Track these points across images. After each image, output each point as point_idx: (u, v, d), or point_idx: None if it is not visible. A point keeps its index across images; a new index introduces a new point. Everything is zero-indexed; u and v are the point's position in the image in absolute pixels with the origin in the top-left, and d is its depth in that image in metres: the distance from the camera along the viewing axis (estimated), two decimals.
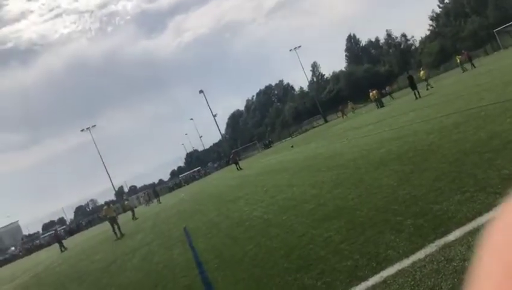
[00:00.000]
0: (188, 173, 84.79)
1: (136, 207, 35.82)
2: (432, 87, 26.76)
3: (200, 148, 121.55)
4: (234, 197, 12.44)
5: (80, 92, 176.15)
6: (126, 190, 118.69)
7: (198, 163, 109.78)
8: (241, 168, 28.58)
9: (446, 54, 62.53)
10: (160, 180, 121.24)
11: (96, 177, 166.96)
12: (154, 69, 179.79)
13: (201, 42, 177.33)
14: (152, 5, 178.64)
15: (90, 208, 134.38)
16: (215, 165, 79.72)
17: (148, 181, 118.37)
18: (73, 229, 62.04)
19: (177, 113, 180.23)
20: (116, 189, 69.56)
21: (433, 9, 75.46)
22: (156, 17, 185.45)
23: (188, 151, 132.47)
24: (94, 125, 60.55)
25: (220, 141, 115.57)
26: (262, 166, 23.16)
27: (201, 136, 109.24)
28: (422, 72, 29.78)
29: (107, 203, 18.52)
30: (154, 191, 39.50)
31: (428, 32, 75.11)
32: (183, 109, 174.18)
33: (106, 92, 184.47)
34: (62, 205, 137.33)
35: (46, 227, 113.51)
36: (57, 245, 26.83)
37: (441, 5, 74.08)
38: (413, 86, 23.86)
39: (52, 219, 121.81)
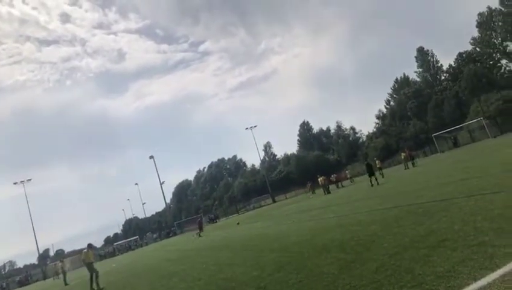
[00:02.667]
0: (124, 241, 79.94)
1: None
2: (408, 168, 30.25)
3: (141, 216, 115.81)
4: (169, 273, 11.64)
5: (23, 142, 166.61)
6: (52, 253, 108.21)
7: (137, 232, 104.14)
8: (200, 236, 28.28)
9: (390, 150, 67.31)
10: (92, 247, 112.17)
11: (21, 236, 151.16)
12: (107, 128, 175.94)
13: (160, 108, 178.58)
14: (117, 66, 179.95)
15: (7, 270, 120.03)
16: (155, 236, 75.82)
17: (79, 246, 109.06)
18: None
19: (123, 176, 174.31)
20: (41, 251, 63.16)
21: (379, 109, 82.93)
22: (118, 78, 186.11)
23: (128, 218, 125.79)
24: (30, 179, 56.91)
25: (163, 210, 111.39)
26: (204, 241, 22.33)
27: (144, 203, 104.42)
28: (377, 162, 32.64)
29: (89, 246, 16.28)
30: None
31: (374, 129, 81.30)
32: (130, 172, 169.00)
33: (51, 146, 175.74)
34: None
35: None
36: None
37: (387, 106, 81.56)
38: (371, 173, 25.03)
39: None
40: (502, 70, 62.30)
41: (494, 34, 61.78)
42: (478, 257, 4.43)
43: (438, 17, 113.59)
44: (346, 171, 38.06)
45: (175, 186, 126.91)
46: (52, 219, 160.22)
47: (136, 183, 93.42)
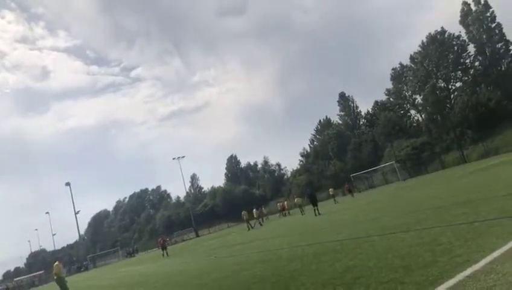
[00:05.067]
0: (26, 276, 71.70)
1: None
2: (338, 202, 34.45)
3: (50, 248, 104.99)
4: None
5: None
6: None
7: (43, 266, 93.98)
8: (167, 255, 27.61)
9: (312, 187, 69.98)
10: None
11: None
12: (19, 150, 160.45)
13: (83, 132, 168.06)
14: (40, 84, 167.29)
15: None
16: (64, 270, 68.94)
17: None
18: None
19: (34, 203, 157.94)
20: None
21: (304, 147, 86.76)
22: (40, 97, 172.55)
23: (34, 250, 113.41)
24: None
25: (75, 242, 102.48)
26: (119, 277, 20.80)
27: (54, 234, 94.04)
28: (331, 189, 42.00)
29: (58, 259, 14.22)
30: None
31: (298, 166, 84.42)
32: (42, 199, 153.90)
33: None
34: None
35: None
36: None
37: (311, 145, 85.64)
38: (314, 202, 25.99)
39: None
40: (411, 120, 69.39)
41: (405, 87, 69.00)
42: None
43: (360, 66, 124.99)
44: (254, 210, 39.09)
45: (92, 216, 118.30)
46: None
47: (47, 212, 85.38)
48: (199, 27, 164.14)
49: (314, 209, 25.56)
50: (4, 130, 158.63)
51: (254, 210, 39.32)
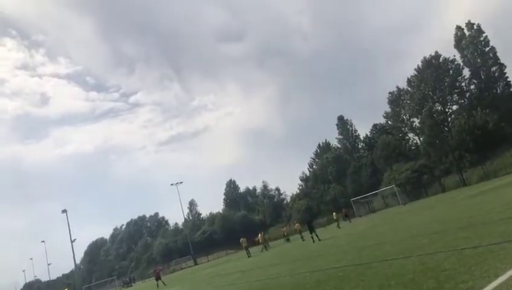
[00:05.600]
0: None
1: None
2: (340, 227, 34.30)
3: (45, 279, 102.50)
4: None
5: None
6: None
7: None
8: (164, 284, 27.36)
9: (312, 212, 69.36)
10: None
11: None
12: (16, 177, 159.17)
13: (81, 158, 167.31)
14: (39, 110, 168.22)
15: None
16: None
17: None
18: None
19: (28, 231, 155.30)
20: None
21: (303, 171, 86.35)
22: (39, 123, 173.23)
23: (28, 281, 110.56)
24: None
25: (71, 272, 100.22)
26: None
27: (49, 264, 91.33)
28: (334, 213, 42.14)
29: (68, 285, 13.78)
30: None
31: (298, 191, 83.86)
32: (37, 228, 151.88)
33: None
34: None
35: None
36: None
37: (311, 169, 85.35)
38: (311, 229, 25.49)
39: None
40: (410, 143, 69.56)
41: (402, 110, 69.55)
42: None
43: (358, 90, 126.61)
44: (259, 235, 38.82)
45: (88, 244, 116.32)
46: None
47: (43, 241, 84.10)
48: (199, 52, 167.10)
49: (312, 236, 25.08)
50: (1, 157, 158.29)
51: (260, 235, 38.96)
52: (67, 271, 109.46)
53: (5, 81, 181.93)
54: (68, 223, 56.40)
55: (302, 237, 33.51)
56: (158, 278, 29.92)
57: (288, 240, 40.83)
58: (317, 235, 24.76)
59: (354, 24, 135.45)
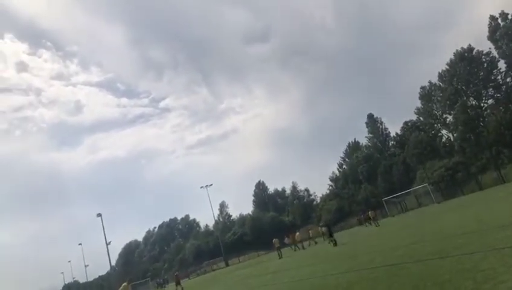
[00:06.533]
0: None
1: None
2: (379, 225, 34.05)
3: (83, 280, 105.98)
4: None
5: None
6: None
7: None
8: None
9: (343, 213, 68.46)
10: None
11: None
12: (53, 184, 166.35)
13: (114, 163, 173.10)
14: (73, 118, 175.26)
15: None
16: None
17: None
18: None
19: (66, 235, 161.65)
20: None
21: (333, 171, 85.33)
22: (73, 131, 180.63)
23: (67, 282, 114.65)
24: None
25: (107, 273, 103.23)
26: None
27: (87, 265, 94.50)
28: (370, 212, 40.81)
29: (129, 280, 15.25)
30: None
31: (328, 191, 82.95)
32: (74, 231, 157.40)
33: None
34: None
35: None
36: None
37: (340, 169, 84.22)
38: (330, 234, 25.16)
39: None
40: (443, 140, 67.30)
41: (434, 106, 67.44)
42: None
43: (387, 86, 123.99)
44: (297, 233, 38.69)
45: (122, 247, 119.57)
46: None
47: (80, 244, 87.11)
48: (225, 56, 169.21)
49: (330, 241, 24.40)
50: (40, 165, 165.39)
51: (297, 233, 39.22)
52: (103, 273, 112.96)
53: (41, 90, 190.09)
54: (103, 226, 58.34)
55: (325, 239, 33.13)
56: (178, 283, 30.68)
57: (315, 243, 40.28)
58: (335, 240, 23.76)
59: (379, 19, 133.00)
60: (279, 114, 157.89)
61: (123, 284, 15.15)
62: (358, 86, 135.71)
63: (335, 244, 23.22)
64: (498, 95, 59.62)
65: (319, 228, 42.06)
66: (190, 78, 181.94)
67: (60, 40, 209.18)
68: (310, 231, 45.36)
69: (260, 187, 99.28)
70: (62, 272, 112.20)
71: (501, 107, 55.97)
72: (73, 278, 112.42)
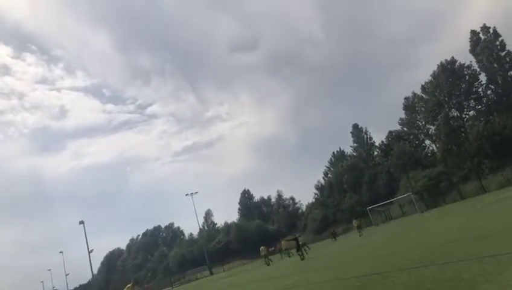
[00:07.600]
0: None
1: None
2: (362, 235, 33.54)
3: (63, 289, 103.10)
4: None
5: None
6: None
7: None
8: None
9: (327, 222, 68.61)
10: None
11: None
12: (34, 190, 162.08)
13: (98, 170, 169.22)
14: (57, 123, 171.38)
15: None
16: None
17: None
18: None
19: (47, 242, 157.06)
20: None
21: (318, 180, 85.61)
22: (57, 136, 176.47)
23: None
24: None
25: (89, 282, 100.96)
26: None
27: (67, 274, 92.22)
28: (354, 221, 40.85)
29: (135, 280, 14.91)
30: None
31: (313, 200, 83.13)
32: (56, 239, 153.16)
33: None
34: None
35: None
36: None
37: (326, 178, 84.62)
38: (298, 247, 24.83)
39: None
40: (426, 150, 68.37)
41: (418, 116, 68.55)
42: None
43: (372, 97, 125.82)
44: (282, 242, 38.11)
45: (105, 255, 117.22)
46: None
47: (61, 252, 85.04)
48: (213, 63, 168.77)
49: (299, 254, 24.14)
50: (20, 170, 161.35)
51: (283, 242, 38.55)
52: (85, 281, 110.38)
53: (24, 95, 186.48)
54: (85, 233, 57.12)
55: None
56: None
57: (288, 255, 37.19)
58: (303, 254, 23.88)
59: (366, 32, 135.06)
60: (265, 122, 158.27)
61: (127, 286, 15.14)
62: (344, 96, 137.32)
63: (302, 258, 23.15)
64: (479, 106, 61.03)
65: (282, 242, 37.76)
66: (177, 85, 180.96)
67: (45, 44, 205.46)
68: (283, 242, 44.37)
69: (246, 195, 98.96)
70: (42, 281, 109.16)
71: (482, 119, 57.26)
72: (53, 287, 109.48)
